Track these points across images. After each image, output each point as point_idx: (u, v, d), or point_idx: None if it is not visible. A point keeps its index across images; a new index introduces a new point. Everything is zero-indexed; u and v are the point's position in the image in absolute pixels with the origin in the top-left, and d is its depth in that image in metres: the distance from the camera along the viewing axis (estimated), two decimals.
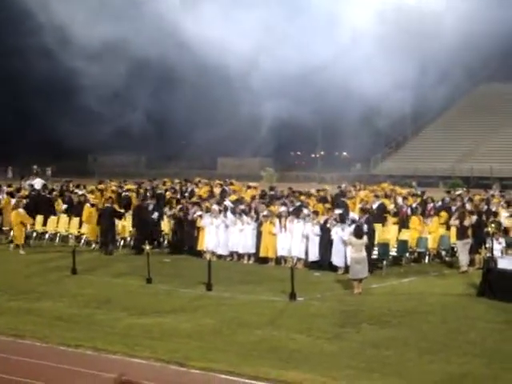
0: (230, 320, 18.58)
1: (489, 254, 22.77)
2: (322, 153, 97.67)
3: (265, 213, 27.55)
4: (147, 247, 24.20)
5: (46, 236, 33.06)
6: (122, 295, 21.79)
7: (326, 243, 25.73)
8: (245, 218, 28.00)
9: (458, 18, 64.02)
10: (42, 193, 36.38)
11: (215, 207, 28.87)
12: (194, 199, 32.02)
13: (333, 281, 23.89)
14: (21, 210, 30.66)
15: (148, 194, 33.46)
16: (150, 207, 30.82)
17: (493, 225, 23.60)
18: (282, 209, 27.83)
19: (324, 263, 25.84)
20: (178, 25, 63.22)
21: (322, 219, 26.39)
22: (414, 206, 29.65)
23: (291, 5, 70.30)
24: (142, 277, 23.57)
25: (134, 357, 15.36)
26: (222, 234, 28.23)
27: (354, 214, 27.14)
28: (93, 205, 31.69)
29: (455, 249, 27.28)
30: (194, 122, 76.15)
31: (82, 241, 31.74)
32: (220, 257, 28.02)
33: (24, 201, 32.72)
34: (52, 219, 33.25)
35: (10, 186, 39.92)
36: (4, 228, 33.76)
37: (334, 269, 25.31)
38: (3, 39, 75.23)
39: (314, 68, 64.79)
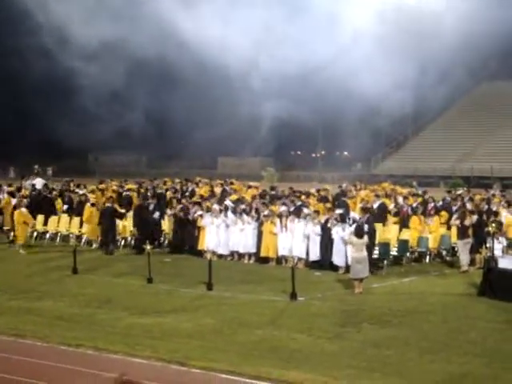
0: (231, 320, 18.58)
1: (489, 254, 22.78)
2: (323, 152, 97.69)
3: (265, 212, 27.55)
4: (148, 247, 24.20)
5: (47, 236, 33.08)
6: (123, 295, 21.79)
7: (326, 243, 25.74)
8: (245, 217, 28.00)
9: (458, 17, 64.03)
10: (44, 192, 36.37)
11: (216, 207, 28.87)
12: (195, 199, 32.02)
13: (333, 280, 23.89)
14: (23, 210, 30.67)
15: (149, 194, 33.43)
16: (151, 207, 30.83)
17: (493, 224, 23.58)
18: (283, 208, 27.83)
19: (325, 263, 25.84)
20: (178, 24, 63.24)
21: (322, 219, 26.39)
22: (414, 205, 29.65)
23: (291, 5, 70.32)
24: (143, 276, 23.58)
25: (134, 356, 15.36)
26: (223, 233, 28.23)
27: (354, 214, 27.17)
28: (93, 204, 31.70)
29: (456, 248, 27.30)
30: (193, 121, 76.15)
31: (83, 240, 31.73)
32: (220, 256, 28.01)
33: (25, 200, 32.73)
34: (53, 219, 33.27)
35: (10, 185, 39.93)
36: (5, 228, 33.77)
37: (335, 268, 25.31)
38: (2, 39, 75.26)
39: (314, 68, 64.81)
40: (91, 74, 66.75)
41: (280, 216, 27.20)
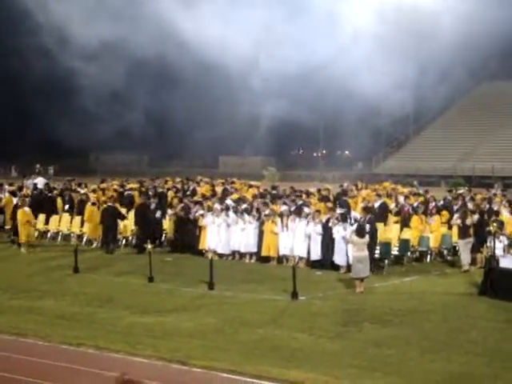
0: (232, 319, 18.59)
1: (490, 253, 22.78)
2: (324, 152, 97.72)
3: (267, 212, 27.55)
4: (149, 246, 24.21)
5: (48, 235, 33.11)
6: (124, 294, 21.80)
7: (327, 242, 25.74)
8: (246, 217, 28.00)
9: (458, 17, 64.01)
10: (45, 191, 36.38)
11: (217, 206, 28.88)
12: (196, 198, 32.03)
13: (335, 280, 23.90)
14: (26, 209, 30.67)
15: (150, 193, 33.44)
16: (153, 206, 30.85)
17: (494, 224, 23.57)
18: (284, 208, 27.83)
19: (326, 262, 25.84)
20: (178, 24, 63.22)
21: (324, 218, 26.39)
22: (415, 205, 29.65)
23: (291, 5, 70.31)
24: (144, 276, 23.60)
25: (135, 355, 15.37)
26: (224, 233, 28.23)
27: (355, 213, 27.18)
28: (94, 203, 31.71)
29: (457, 248, 27.30)
30: (194, 121, 76.19)
31: (84, 240, 31.74)
32: (221, 256, 28.01)
33: (26, 200, 32.74)
34: (54, 218, 33.29)
35: (11, 184, 39.95)
36: (6, 227, 33.80)
37: (336, 268, 25.32)
38: (2, 39, 75.29)
39: (314, 68, 64.79)
40: (91, 73, 66.76)
41: (281, 215, 27.21)
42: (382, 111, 77.76)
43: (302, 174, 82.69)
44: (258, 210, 28.25)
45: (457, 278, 24.33)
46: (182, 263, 27.43)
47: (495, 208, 28.96)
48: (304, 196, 31.99)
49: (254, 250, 27.67)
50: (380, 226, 26.80)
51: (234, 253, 28.24)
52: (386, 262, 25.52)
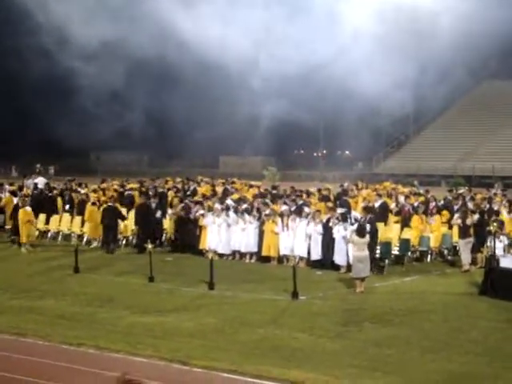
0: (233, 319, 18.59)
1: (491, 253, 22.77)
2: (324, 152, 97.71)
3: (267, 212, 27.55)
4: (149, 246, 24.20)
5: (49, 235, 33.11)
6: (125, 294, 21.80)
7: (328, 242, 25.74)
8: (247, 216, 28.00)
9: (458, 17, 64.03)
10: (46, 191, 36.39)
11: (217, 206, 28.87)
12: (196, 198, 32.04)
13: (335, 280, 23.90)
14: (28, 209, 30.66)
15: (150, 193, 33.44)
16: (153, 206, 30.85)
17: (495, 224, 23.57)
18: (284, 208, 27.83)
19: (326, 262, 25.84)
20: (178, 24, 63.23)
21: (324, 218, 26.39)
22: (415, 204, 29.64)
23: (291, 5, 70.33)
24: (145, 275, 23.60)
25: (136, 355, 15.38)
26: (224, 233, 28.23)
27: (356, 213, 27.17)
28: (94, 203, 31.71)
29: (457, 248, 27.29)
30: (194, 121, 76.21)
31: (85, 239, 31.72)
32: (222, 256, 28.01)
33: (26, 199, 32.74)
34: (54, 218, 33.29)
35: (12, 184, 39.96)
36: (6, 227, 33.80)
37: (336, 268, 25.32)
38: (2, 39, 75.28)
39: (314, 67, 64.80)
40: (91, 73, 66.78)
41: (281, 215, 27.21)
42: (382, 111, 77.82)
43: (302, 174, 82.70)
44: (258, 209, 28.25)
45: (457, 278, 24.33)
46: (182, 263, 27.43)
47: (495, 208, 28.96)
48: (304, 196, 32.00)
49: (255, 249, 27.67)
50: (380, 225, 26.80)
51: (234, 253, 28.24)
52: (387, 261, 25.51)
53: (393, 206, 30.75)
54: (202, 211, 29.10)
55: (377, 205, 29.30)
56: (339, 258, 25.30)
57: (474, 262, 25.77)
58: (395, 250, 26.57)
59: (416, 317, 19.00)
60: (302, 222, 26.56)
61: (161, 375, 14.07)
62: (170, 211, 30.98)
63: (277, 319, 18.57)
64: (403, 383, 13.95)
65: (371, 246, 23.16)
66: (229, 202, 29.98)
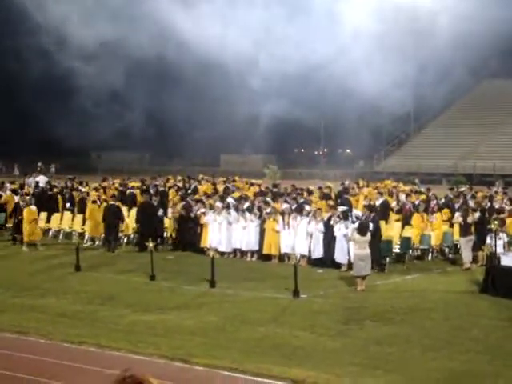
0: (234, 317, 18.61)
1: (491, 251, 22.78)
2: (325, 150, 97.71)
3: (268, 210, 27.57)
4: (150, 244, 24.22)
5: (50, 233, 33.13)
6: (126, 292, 21.83)
7: (329, 240, 25.75)
8: (248, 215, 28.02)
9: (457, 17, 64.03)
10: (48, 190, 36.43)
11: (218, 204, 28.89)
12: (197, 196, 32.06)
13: (336, 278, 23.91)
14: (33, 207, 30.66)
15: (151, 191, 33.47)
16: (155, 204, 30.86)
17: (496, 222, 23.57)
18: (285, 206, 27.85)
19: (327, 260, 25.86)
20: (177, 24, 63.21)
21: (325, 216, 26.40)
22: (416, 203, 29.66)
23: (291, 4, 70.34)
24: (146, 274, 23.62)
25: (137, 353, 15.39)
26: (225, 231, 28.24)
27: (357, 211, 27.18)
28: (95, 201, 31.72)
29: (458, 246, 27.30)
30: (194, 121, 76.25)
31: (86, 238, 31.74)
32: (223, 254, 28.02)
33: (27, 198, 32.77)
34: (55, 216, 33.32)
35: (13, 182, 40.01)
36: (7, 225, 33.82)
37: (337, 266, 25.34)
38: (1, 40, 75.28)
39: (314, 67, 64.82)
40: (90, 73, 66.78)
41: (282, 213, 27.23)
42: (382, 110, 77.76)
43: (303, 172, 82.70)
44: (259, 208, 28.27)
45: (458, 276, 24.35)
46: (183, 261, 27.45)
47: (496, 206, 28.97)
48: (305, 194, 32.03)
49: (256, 248, 27.69)
50: (381, 224, 26.80)
51: (235, 251, 28.25)
52: (388, 259, 25.53)
53: (394, 204, 30.77)
54: (203, 209, 29.11)
55: (378, 203, 29.33)
56: (340, 257, 25.32)
57: (474, 260, 25.79)
58: (396, 248, 26.58)
59: (417, 315, 19.01)
60: (303, 221, 26.57)
61: (162, 373, 14.05)
62: (170, 210, 31.00)
63: (278, 317, 18.59)
64: (404, 381, 13.97)
65: (374, 245, 23.18)
66: (229, 200, 30.00)
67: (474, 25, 61.52)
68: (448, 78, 72.86)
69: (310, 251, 26.35)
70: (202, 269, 23.69)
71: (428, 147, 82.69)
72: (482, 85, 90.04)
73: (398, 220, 29.03)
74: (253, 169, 77.00)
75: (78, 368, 14.69)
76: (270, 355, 15.29)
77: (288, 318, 18.52)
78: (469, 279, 23.44)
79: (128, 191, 35.39)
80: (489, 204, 29.06)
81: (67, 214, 33.46)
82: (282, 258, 27.06)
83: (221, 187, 36.39)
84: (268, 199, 29.84)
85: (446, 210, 29.50)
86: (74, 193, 35.86)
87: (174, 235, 30.38)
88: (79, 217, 32.62)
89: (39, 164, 71.04)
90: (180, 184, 38.18)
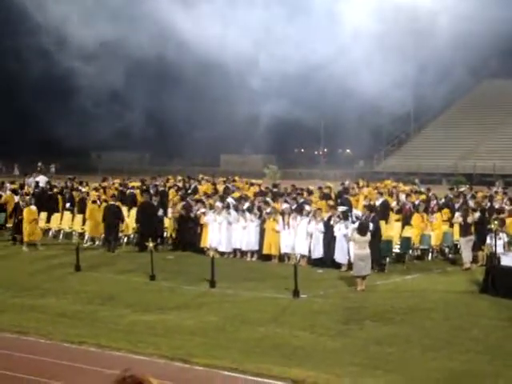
0: (234, 317, 18.61)
1: (491, 251, 22.78)
2: (325, 150, 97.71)
3: (268, 210, 27.57)
4: (150, 244, 24.21)
5: (50, 233, 33.12)
6: (126, 292, 21.82)
7: (329, 240, 25.75)
8: (248, 215, 28.02)
9: (456, 17, 64.03)
10: (48, 190, 36.43)
11: (218, 204, 28.89)
12: (197, 196, 32.05)
13: (336, 278, 23.91)
14: (33, 207, 30.65)
15: (151, 191, 33.47)
16: (155, 204, 30.86)
17: (496, 222, 23.57)
18: (285, 206, 27.85)
19: (327, 260, 25.86)
20: (177, 24, 63.20)
21: (325, 216, 26.40)
22: (416, 202, 29.67)
23: (291, 4, 70.34)
24: (146, 274, 23.62)
25: (137, 354, 15.39)
26: (225, 231, 28.24)
27: (357, 211, 27.18)
28: (94, 201, 31.72)
29: (458, 246, 27.30)
30: (194, 121, 76.25)
31: (86, 238, 31.73)
32: (223, 254, 28.02)
33: (27, 198, 32.77)
34: (55, 216, 33.32)
35: (13, 182, 40.01)
36: (7, 225, 33.82)
37: (337, 266, 25.34)
38: (1, 40, 75.27)
39: (314, 67, 64.82)
40: (91, 73, 66.77)
41: (282, 213, 27.22)
42: (382, 110, 77.77)
43: (302, 172, 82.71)
44: (259, 208, 28.27)
45: (458, 276, 24.35)
46: (183, 261, 27.45)
47: (496, 206, 28.97)
48: (305, 194, 32.04)
49: (256, 248, 27.69)
50: (381, 224, 26.80)
51: (235, 251, 28.25)
52: (388, 259, 25.53)
53: (394, 204, 30.77)
54: (203, 209, 29.11)
55: (378, 203, 29.32)
56: (340, 257, 25.32)
57: (474, 260, 25.79)
58: (396, 248, 26.58)
59: (417, 315, 19.01)
60: (303, 221, 26.57)
61: (162, 373, 14.05)
62: (170, 210, 31.00)
63: (278, 317, 18.59)
64: (404, 381, 13.97)
65: (375, 245, 23.18)
66: (229, 200, 30.01)
67: (473, 25, 61.54)
68: (448, 78, 72.89)
69: (309, 251, 26.36)
70: (201, 269, 23.69)
71: (428, 147, 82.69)
72: (482, 85, 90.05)
73: (398, 220, 29.04)
74: (253, 169, 77.01)
75: (78, 368, 14.69)
76: (270, 355, 15.29)
77: (288, 318, 18.52)
78: (469, 279, 23.44)
79: (128, 191, 35.38)
80: (489, 204, 29.06)
81: (67, 214, 33.46)
82: (281, 258, 27.06)
83: (221, 187, 36.40)
84: (268, 199, 29.85)
85: (446, 210, 29.50)
86: (74, 193, 35.86)
87: (173, 235, 30.37)
88: (79, 217, 32.62)
89: (39, 164, 71.05)
90: (180, 184, 38.19)
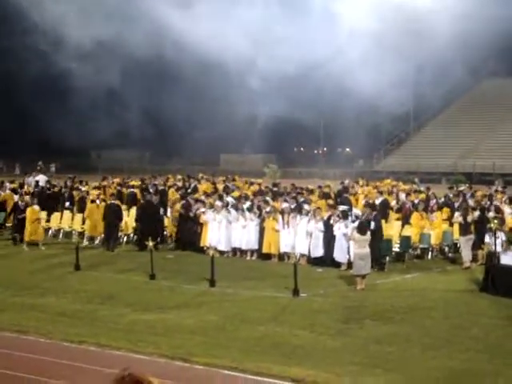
0: (233, 316, 18.61)
1: (491, 249, 22.78)
2: (325, 149, 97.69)
3: (268, 209, 27.57)
4: (150, 243, 24.21)
5: (49, 232, 33.12)
6: (126, 291, 21.82)
7: (329, 239, 25.75)
8: (247, 214, 28.02)
9: (456, 16, 63.99)
10: (46, 189, 36.42)
11: (218, 203, 28.90)
12: (197, 195, 32.06)
13: (336, 277, 23.92)
14: (36, 207, 30.64)
15: (151, 191, 33.48)
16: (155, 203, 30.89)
17: (495, 221, 23.57)
18: (285, 205, 27.85)
19: (327, 259, 25.86)
20: (176, 24, 63.11)
21: (325, 215, 26.40)
22: (415, 201, 29.68)
23: (289, 4, 70.25)
24: (146, 273, 23.62)
25: (137, 353, 15.39)
26: (225, 230, 28.24)
27: (357, 210, 27.18)
28: (93, 201, 31.72)
29: (458, 245, 27.30)
30: (193, 121, 76.22)
31: (85, 237, 31.73)
32: (222, 253, 28.03)
33: (27, 197, 32.76)
34: (55, 215, 33.31)
35: (12, 182, 40.00)
36: (7, 224, 33.81)
37: (337, 265, 25.34)
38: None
39: (313, 67, 64.79)
40: (89, 73, 66.68)
41: (282, 213, 27.22)
42: (381, 109, 77.82)
43: (302, 172, 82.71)
44: (259, 207, 28.27)
45: (458, 275, 24.35)
46: (183, 260, 27.46)
47: (496, 205, 28.96)
48: (305, 193, 32.05)
49: (255, 247, 27.69)
50: (381, 222, 26.81)
51: (234, 250, 28.25)
52: (387, 258, 25.53)
53: (393, 203, 30.78)
54: (202, 209, 29.11)
55: (377, 202, 29.33)
56: (340, 256, 25.33)
57: (474, 259, 25.79)
58: (396, 248, 26.59)
59: (417, 314, 19.02)
60: (302, 220, 26.57)
61: (162, 372, 14.05)
62: (169, 209, 31.01)
63: (277, 316, 18.59)
64: (404, 380, 13.97)
65: (376, 243, 23.19)
66: (229, 199, 30.01)
67: (473, 23, 61.50)
68: (447, 77, 72.89)
69: (309, 250, 26.36)
70: (201, 268, 23.69)
71: (427, 146, 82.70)
72: (481, 84, 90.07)
73: (397, 219, 29.04)
74: (252, 168, 77.02)
75: (78, 367, 14.68)
76: (270, 354, 15.29)
77: (288, 317, 18.52)
78: (468, 278, 23.44)
79: (128, 190, 35.40)
80: (488, 203, 29.06)
81: (67, 214, 33.45)
82: (281, 257, 27.07)
83: (220, 186, 36.42)
84: (268, 198, 29.85)
85: (445, 209, 29.51)
86: (74, 192, 35.86)
87: (174, 235, 30.37)
88: (79, 216, 32.61)
89: (39, 163, 71.06)
90: (180, 183, 38.21)
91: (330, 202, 28.92)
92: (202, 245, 28.70)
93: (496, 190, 35.29)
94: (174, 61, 66.76)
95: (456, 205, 29.16)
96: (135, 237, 30.62)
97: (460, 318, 18.59)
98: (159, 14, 64.48)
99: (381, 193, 31.27)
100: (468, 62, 72.52)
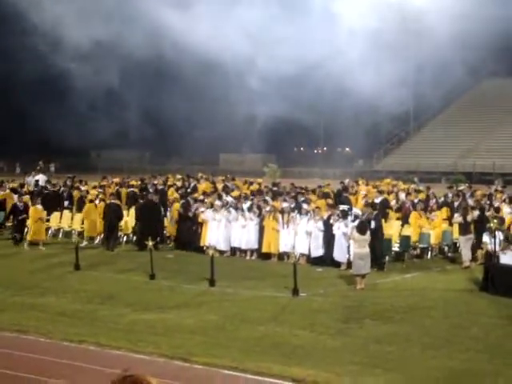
0: (233, 316, 18.61)
1: (488, 249, 22.79)
2: (325, 149, 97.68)
3: (267, 208, 27.57)
4: (150, 243, 24.20)
5: (49, 232, 33.11)
6: (126, 291, 21.82)
7: (328, 239, 25.76)
8: (247, 213, 28.01)
9: (455, 16, 63.99)
10: (51, 188, 36.42)
11: (218, 203, 28.89)
12: (197, 195, 32.06)
13: (335, 276, 23.92)
14: (39, 207, 30.63)
15: (151, 190, 33.48)
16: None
17: (495, 220, 23.57)
18: (285, 205, 27.85)
19: (327, 259, 25.86)
20: (175, 24, 63.05)
21: (325, 215, 26.40)
22: (415, 201, 29.68)
23: (288, 4, 70.22)
24: (146, 273, 23.62)
25: (137, 352, 15.39)
26: (224, 229, 28.23)
27: (357, 210, 27.18)
28: (92, 200, 31.72)
29: (458, 244, 27.31)
30: (193, 120, 76.22)
31: (85, 237, 31.71)
32: (222, 252, 28.02)
33: (26, 197, 32.74)
34: (55, 215, 33.28)
35: (13, 181, 40.00)
36: (6, 224, 33.80)
37: (337, 264, 25.34)
38: None
39: (312, 66, 64.77)
40: (88, 74, 66.67)
41: (282, 212, 27.22)
42: (380, 109, 77.83)
43: (302, 171, 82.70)
44: (258, 206, 28.27)
45: (457, 275, 24.35)
46: (183, 260, 27.46)
47: (496, 204, 28.97)
48: (305, 193, 32.05)
49: (255, 246, 27.68)
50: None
51: (234, 249, 28.24)
52: (387, 258, 25.53)
53: (393, 202, 30.79)
54: (202, 208, 29.11)
55: (377, 201, 29.32)
56: (340, 255, 25.33)
57: (474, 258, 25.79)
58: (396, 247, 26.60)
59: (416, 313, 19.02)
60: (302, 219, 26.57)
61: (162, 372, 14.06)
62: (169, 209, 31.02)
63: (277, 316, 18.59)
64: (404, 380, 13.98)
65: (376, 243, 23.19)
66: (228, 198, 30.01)
67: (472, 23, 61.50)
68: (447, 77, 72.90)
69: (309, 250, 26.35)
70: (201, 268, 23.69)
71: (427, 146, 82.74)
72: (481, 83, 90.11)
73: (397, 219, 29.05)
74: (252, 168, 77.08)
75: (78, 367, 14.69)
76: (270, 354, 15.29)
77: (288, 317, 18.53)
78: (468, 278, 23.45)
79: (128, 190, 35.40)
80: (488, 202, 29.07)
81: (66, 213, 33.44)
82: (281, 256, 27.06)
83: (220, 186, 36.43)
84: (267, 198, 29.85)
85: (445, 209, 29.51)
86: (74, 192, 35.86)
87: (174, 234, 30.37)
88: (78, 216, 32.60)
89: (39, 163, 71.06)
90: (179, 183, 38.21)
91: (330, 201, 28.91)
92: (201, 244, 28.69)
93: (496, 190, 35.28)
94: (173, 61, 66.73)
95: (456, 204, 29.16)
96: (135, 237, 30.61)
97: (460, 317, 18.59)
98: (158, 14, 64.45)
99: (380, 192, 31.27)
100: (468, 62, 72.47)
